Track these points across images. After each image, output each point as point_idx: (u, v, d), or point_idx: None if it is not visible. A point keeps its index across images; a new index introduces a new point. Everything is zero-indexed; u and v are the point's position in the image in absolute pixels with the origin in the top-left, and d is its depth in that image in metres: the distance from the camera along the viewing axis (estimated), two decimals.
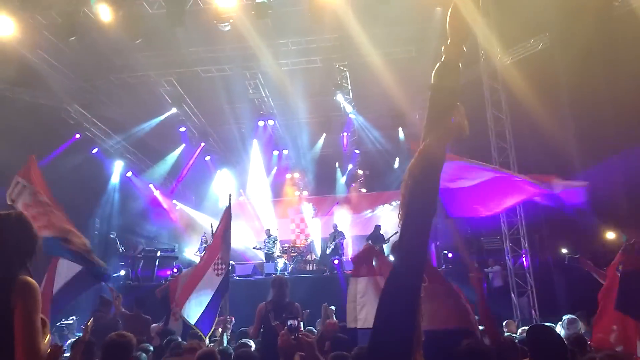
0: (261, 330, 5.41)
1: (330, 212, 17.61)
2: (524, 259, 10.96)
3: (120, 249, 13.42)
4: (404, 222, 2.02)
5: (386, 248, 13.66)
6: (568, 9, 10.02)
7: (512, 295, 10.77)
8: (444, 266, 12.18)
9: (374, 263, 4.10)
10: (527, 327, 5.28)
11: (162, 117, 14.87)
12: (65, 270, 5.21)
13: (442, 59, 2.05)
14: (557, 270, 11.95)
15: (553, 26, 10.92)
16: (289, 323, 3.15)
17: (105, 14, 9.90)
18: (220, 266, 6.00)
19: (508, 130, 11.27)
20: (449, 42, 2.04)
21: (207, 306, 5.76)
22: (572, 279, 10.57)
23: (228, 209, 6.46)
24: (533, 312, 10.51)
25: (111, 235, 13.60)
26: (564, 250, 12.60)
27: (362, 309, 4.02)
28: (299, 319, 4.99)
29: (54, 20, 10.36)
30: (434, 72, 2.06)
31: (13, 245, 2.29)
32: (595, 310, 6.19)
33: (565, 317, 5.90)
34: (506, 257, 11.14)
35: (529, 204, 11.08)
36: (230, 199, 6.57)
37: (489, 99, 11.43)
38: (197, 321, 5.75)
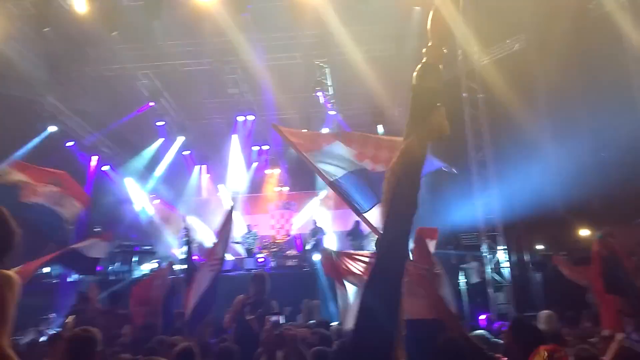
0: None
1: (312, 208, 17.62)
2: (501, 255, 11.15)
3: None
4: (386, 219, 2.06)
5: (366, 243, 13.77)
6: (544, 10, 10.21)
7: (489, 290, 10.96)
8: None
9: (337, 264, 4.08)
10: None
11: (138, 111, 14.63)
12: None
13: (423, 61, 2.08)
14: (533, 266, 12.22)
15: (529, 27, 11.11)
16: (272, 319, 3.17)
17: (80, 5, 9.71)
18: (215, 261, 5.95)
19: (485, 129, 11.43)
20: (429, 44, 2.08)
21: (199, 301, 5.68)
22: (548, 276, 10.83)
23: (229, 213, 6.45)
24: (510, 307, 10.71)
25: (95, 230, 13.41)
26: (540, 247, 12.89)
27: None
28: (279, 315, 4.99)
29: (28, 10, 10.10)
30: (415, 73, 2.09)
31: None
32: (571, 307, 6.36)
33: (541, 313, 6.02)
34: (483, 253, 11.31)
35: (505, 199, 11.38)
36: (232, 206, 6.64)
37: (467, 99, 11.57)
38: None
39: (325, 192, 17.42)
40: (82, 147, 15.37)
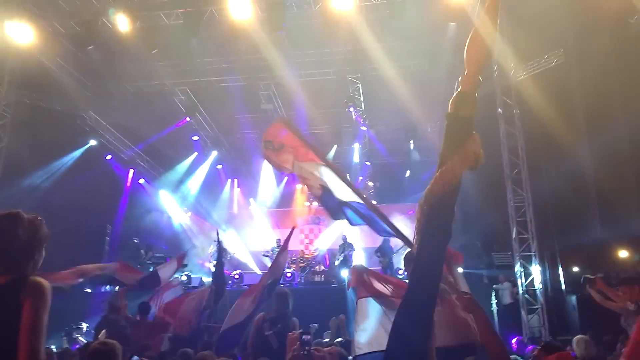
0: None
1: (340, 223, 17.57)
2: (535, 276, 10.84)
3: (142, 255, 13.54)
4: (419, 247, 2.05)
5: (395, 260, 13.62)
6: (583, 25, 10.00)
7: (522, 312, 10.65)
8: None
9: (366, 281, 3.98)
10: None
11: (175, 126, 15.02)
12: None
13: (459, 89, 2.08)
14: (568, 288, 11.82)
15: (568, 42, 10.89)
16: (302, 337, 3.16)
17: (123, 24, 10.10)
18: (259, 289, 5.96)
19: (521, 146, 11.21)
20: (465, 73, 2.08)
21: (236, 325, 5.72)
22: (584, 299, 10.45)
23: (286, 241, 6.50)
24: (543, 330, 10.38)
25: (135, 241, 13.72)
26: (575, 269, 12.46)
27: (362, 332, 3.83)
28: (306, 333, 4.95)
29: (73, 29, 10.58)
30: (450, 101, 2.10)
31: (22, 245, 2.28)
32: (608, 331, 6.09)
33: (576, 337, 5.81)
34: (516, 274, 11.03)
35: (541, 218, 11.08)
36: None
37: (502, 115, 11.40)
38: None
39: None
40: (120, 160, 15.85)
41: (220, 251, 8.54)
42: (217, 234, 8.99)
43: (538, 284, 10.77)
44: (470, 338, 3.46)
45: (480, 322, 3.10)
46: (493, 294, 11.30)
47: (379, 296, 3.83)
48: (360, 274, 4.06)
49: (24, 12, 10.07)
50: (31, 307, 2.13)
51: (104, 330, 6.24)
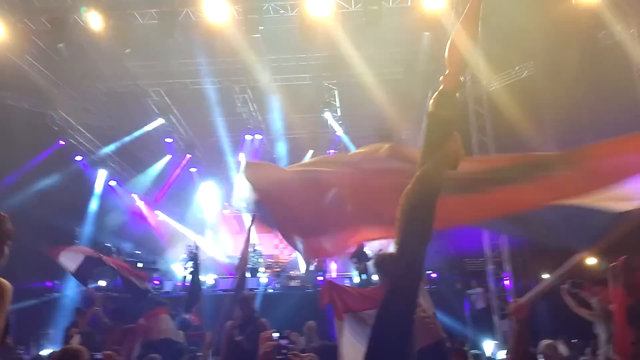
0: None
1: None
2: (507, 281, 11.03)
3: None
4: (399, 248, 2.03)
5: (370, 266, 13.65)
6: (553, 38, 10.29)
7: (494, 317, 10.81)
8: (427, 286, 12.19)
9: (337, 300, 3.90)
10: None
11: (148, 128, 14.77)
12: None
13: (440, 88, 2.09)
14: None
15: (539, 54, 11.19)
16: (280, 342, 3.13)
17: (95, 22, 9.87)
18: None
19: (492, 154, 11.42)
20: (447, 73, 2.09)
21: None
22: (554, 304, 10.65)
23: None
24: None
25: (107, 245, 13.36)
26: (546, 274, 12.71)
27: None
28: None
29: (44, 25, 10.29)
30: (431, 101, 2.10)
31: None
32: (577, 336, 6.22)
33: (542, 342, 5.92)
34: (488, 280, 11.20)
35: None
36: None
37: (474, 124, 11.60)
38: None
39: None
40: (91, 161, 15.46)
41: (197, 261, 8.45)
42: (196, 247, 8.87)
43: (509, 289, 10.96)
44: (436, 337, 3.52)
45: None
46: (466, 299, 11.45)
47: (353, 312, 3.74)
48: (330, 293, 3.98)
49: None
50: None
51: (77, 336, 6.08)
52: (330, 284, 4.05)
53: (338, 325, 3.70)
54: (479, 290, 11.80)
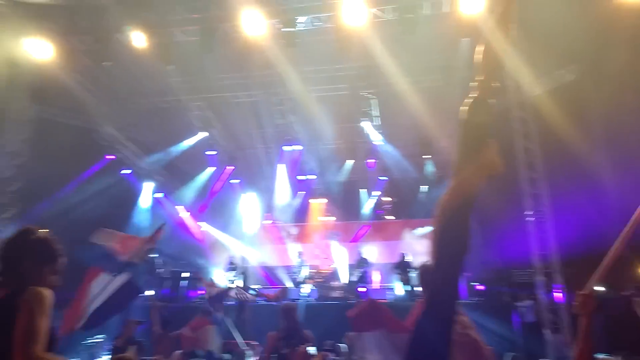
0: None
1: (356, 239, 17.42)
2: (558, 293, 10.51)
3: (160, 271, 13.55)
4: (436, 259, 1.95)
5: (413, 277, 13.38)
6: (598, 40, 9.84)
7: (545, 332, 10.31)
8: (475, 299, 11.86)
9: (377, 316, 3.84)
10: None
11: (191, 141, 15.15)
12: (103, 287, 5.20)
13: (475, 95, 1.99)
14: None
15: (583, 57, 10.73)
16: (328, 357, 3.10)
17: (139, 40, 10.24)
18: None
19: (539, 161, 11.00)
20: (481, 79, 1.99)
21: None
22: (611, 317, 10.08)
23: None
24: (568, 350, 10.03)
25: (152, 255, 13.71)
26: (600, 287, 12.07)
27: None
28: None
29: (91, 45, 10.75)
30: (464, 108, 2.00)
31: (31, 261, 2.34)
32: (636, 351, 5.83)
33: (600, 356, 5.56)
34: (539, 292, 10.71)
35: (563, 233, 10.78)
36: None
37: (519, 130, 11.21)
38: None
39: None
40: (137, 175, 15.97)
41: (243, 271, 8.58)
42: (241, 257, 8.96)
43: (561, 302, 10.44)
44: None
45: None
46: (515, 312, 10.99)
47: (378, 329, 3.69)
48: (372, 306, 3.93)
49: (43, 29, 10.27)
50: (27, 311, 2.16)
51: (135, 347, 6.25)
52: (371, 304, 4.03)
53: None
54: (528, 303, 11.30)
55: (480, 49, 1.99)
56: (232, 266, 13.50)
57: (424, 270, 3.98)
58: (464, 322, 3.58)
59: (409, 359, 1.99)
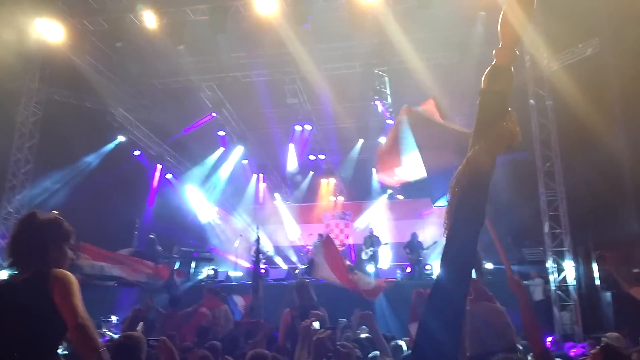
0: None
1: (366, 218, 17.47)
2: (568, 271, 10.50)
3: (159, 249, 13.68)
4: (450, 232, 1.93)
5: (424, 255, 13.42)
6: (619, 12, 9.58)
7: (554, 309, 10.34)
8: (484, 277, 11.83)
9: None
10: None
11: (201, 121, 15.16)
12: None
13: (493, 63, 1.95)
14: (603, 284, 11.41)
15: (603, 30, 10.46)
16: (330, 331, 3.12)
17: (150, 20, 10.19)
18: None
19: (554, 139, 10.86)
20: (500, 45, 1.94)
21: None
22: (619, 295, 10.06)
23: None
24: (576, 327, 10.05)
25: (150, 236, 13.88)
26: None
27: None
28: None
29: (101, 26, 10.73)
30: (484, 76, 1.96)
31: (39, 244, 2.40)
32: None
33: (609, 335, 5.56)
34: (548, 270, 10.70)
35: (574, 212, 10.72)
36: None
37: (534, 106, 11.05)
38: None
39: (382, 202, 17.26)
40: (148, 156, 16.07)
41: (258, 252, 8.65)
42: (258, 237, 9.05)
43: (571, 280, 10.43)
44: (509, 343, 3.36)
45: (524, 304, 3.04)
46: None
47: None
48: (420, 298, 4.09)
49: (54, 10, 10.26)
50: (62, 289, 2.23)
51: (141, 323, 6.34)
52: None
53: None
54: (538, 281, 11.30)
55: (502, 12, 1.94)
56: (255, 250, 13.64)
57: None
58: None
59: (421, 334, 1.99)
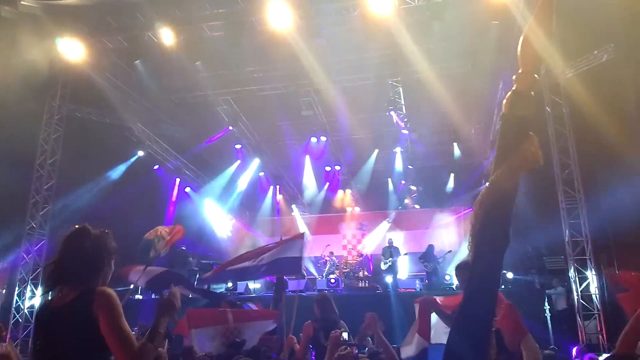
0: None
1: (383, 228, 17.43)
2: (590, 280, 10.35)
3: (190, 260, 13.81)
4: (474, 255, 1.97)
5: (440, 267, 13.36)
6: (634, 18, 9.50)
7: (578, 318, 10.18)
8: (503, 286, 11.72)
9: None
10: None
11: (219, 135, 15.34)
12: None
13: (514, 88, 1.99)
14: None
15: (619, 37, 10.37)
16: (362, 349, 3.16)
17: (167, 38, 10.41)
18: None
19: (571, 146, 10.77)
20: (520, 71, 1.99)
21: None
22: None
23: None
24: (600, 337, 9.89)
25: (182, 248, 13.97)
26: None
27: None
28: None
29: (121, 44, 10.99)
30: (505, 101, 2.01)
31: (90, 260, 2.37)
32: None
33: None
34: (570, 279, 10.56)
35: (594, 220, 10.58)
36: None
37: (551, 114, 10.99)
38: None
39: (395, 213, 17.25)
40: (167, 169, 16.29)
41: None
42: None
43: (594, 289, 10.27)
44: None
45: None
46: (546, 299, 10.85)
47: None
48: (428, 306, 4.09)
49: (75, 30, 10.53)
50: (108, 315, 2.22)
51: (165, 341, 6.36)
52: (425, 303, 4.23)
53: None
54: (560, 290, 11.16)
55: (521, 38, 1.98)
56: None
57: (462, 264, 4.01)
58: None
59: (450, 352, 2.03)
